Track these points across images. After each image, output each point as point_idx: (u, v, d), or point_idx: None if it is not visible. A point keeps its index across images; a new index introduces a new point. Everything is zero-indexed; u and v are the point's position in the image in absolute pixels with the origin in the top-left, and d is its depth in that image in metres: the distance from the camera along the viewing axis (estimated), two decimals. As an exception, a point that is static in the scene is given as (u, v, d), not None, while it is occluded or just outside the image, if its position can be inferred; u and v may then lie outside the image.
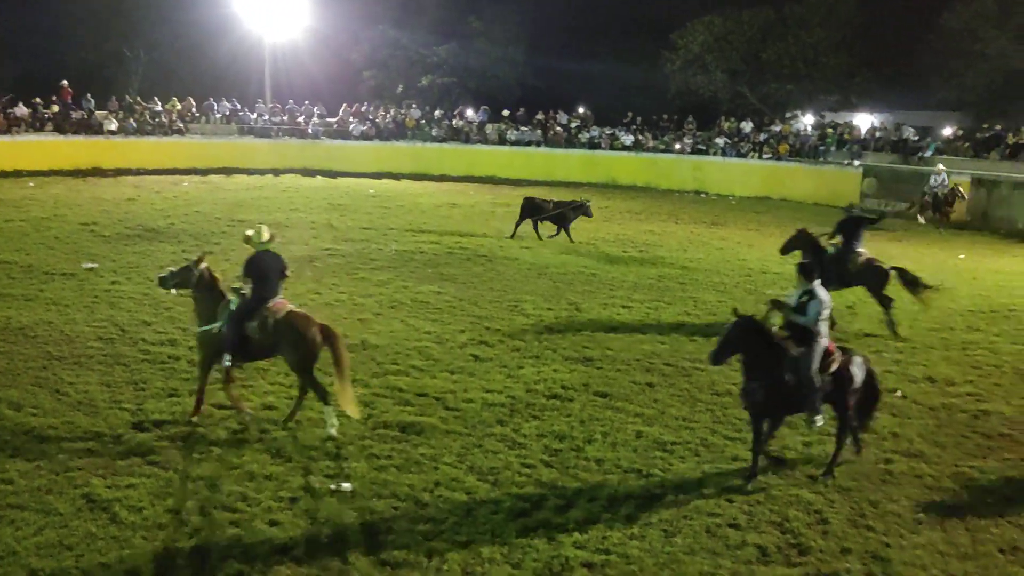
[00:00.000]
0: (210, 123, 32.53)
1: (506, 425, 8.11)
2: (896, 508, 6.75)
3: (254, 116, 33.38)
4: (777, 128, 32.38)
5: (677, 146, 31.82)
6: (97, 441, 7.35)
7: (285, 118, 33.59)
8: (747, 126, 32.57)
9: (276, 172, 29.09)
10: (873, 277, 12.18)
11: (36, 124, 28.94)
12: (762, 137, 31.39)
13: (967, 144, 28.34)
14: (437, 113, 35.22)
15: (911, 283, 12.01)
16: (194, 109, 32.80)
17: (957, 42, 34.25)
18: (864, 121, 35.17)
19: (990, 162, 26.33)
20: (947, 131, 31.48)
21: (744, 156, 30.55)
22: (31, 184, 23.98)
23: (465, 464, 7.24)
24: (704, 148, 31.52)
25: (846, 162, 28.57)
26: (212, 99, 33.70)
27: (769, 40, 38.12)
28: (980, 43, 33.01)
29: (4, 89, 30.68)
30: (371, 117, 34.34)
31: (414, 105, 36.81)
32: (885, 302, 12.04)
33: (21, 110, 29.01)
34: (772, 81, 38.31)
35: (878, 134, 30.80)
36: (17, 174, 25.75)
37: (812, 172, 28.65)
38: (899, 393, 9.38)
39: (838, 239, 12.53)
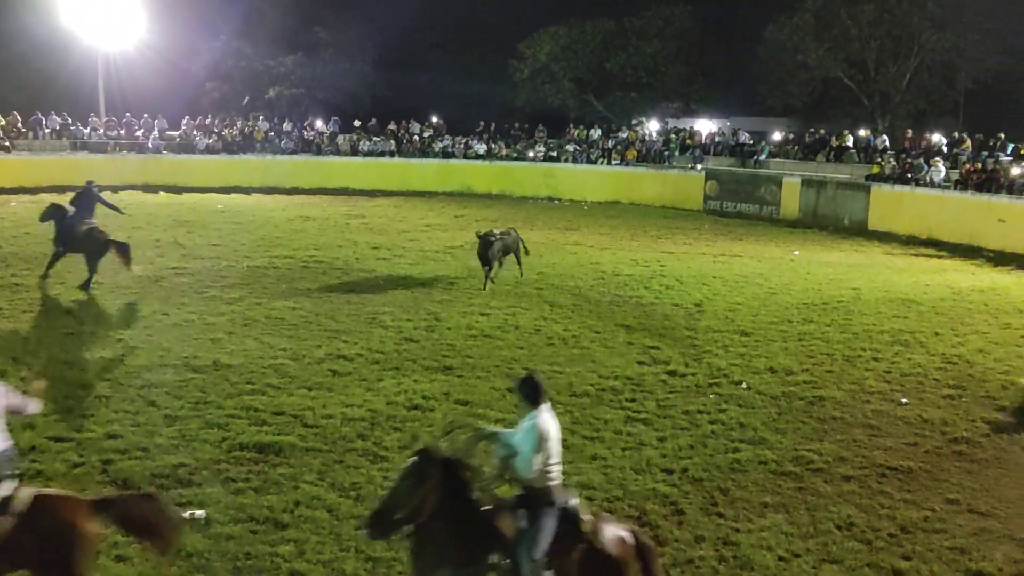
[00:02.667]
0: (39, 139, 30.32)
1: (367, 439, 8.02)
2: (744, 494, 7.16)
3: (87, 131, 31.38)
4: (624, 135, 33.61)
5: (530, 154, 32.42)
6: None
7: (122, 132, 31.76)
8: (596, 133, 33.63)
9: (115, 189, 27.36)
10: (92, 245, 13.69)
11: None
12: (610, 144, 32.50)
13: (796, 147, 30.45)
14: (286, 125, 34.31)
15: (125, 255, 13.73)
16: (20, 124, 30.45)
17: (781, 53, 36.78)
18: (704, 127, 37.09)
19: (817, 164, 28.39)
20: (777, 136, 33.72)
21: (594, 162, 31.51)
22: None
23: (326, 481, 7.10)
24: (555, 155, 32.29)
25: (689, 166, 30.02)
26: (40, 113, 31.42)
27: (612, 50, 39.55)
28: (801, 54, 35.57)
29: None
30: (216, 130, 33.01)
31: (262, 117, 35.72)
32: (95, 269, 13.60)
33: None
34: (617, 89, 39.75)
35: (717, 139, 32.55)
36: None
37: (658, 176, 29.94)
38: (744, 385, 9.95)
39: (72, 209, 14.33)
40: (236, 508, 6.56)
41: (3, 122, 29.95)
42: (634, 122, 37.93)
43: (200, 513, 6.44)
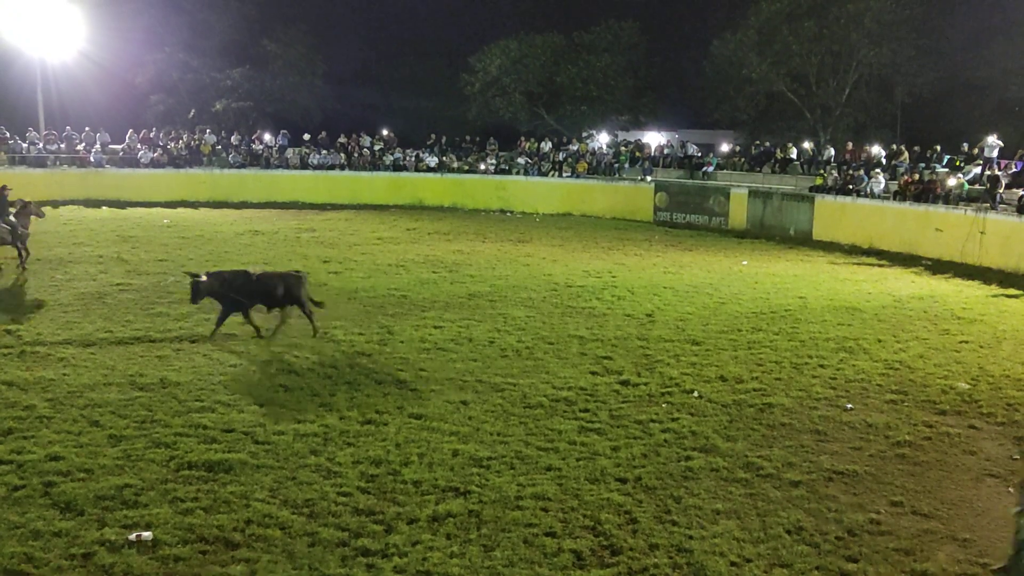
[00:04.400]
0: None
1: (320, 455, 7.92)
2: (697, 502, 7.23)
3: (26, 144, 30.57)
4: (575, 147, 33.91)
5: (481, 166, 32.50)
6: None
7: (63, 146, 31.02)
8: (547, 146, 33.87)
9: (55, 204, 26.76)
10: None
11: None
12: (561, 156, 32.75)
13: (742, 160, 31.05)
14: (234, 138, 33.88)
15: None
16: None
17: (726, 68, 37.55)
18: (654, 139, 37.62)
19: (763, 175, 29.00)
20: (725, 148, 34.32)
21: (545, 175, 31.72)
22: None
23: (278, 498, 6.99)
24: (507, 168, 32.42)
25: (639, 178, 30.39)
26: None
27: (562, 64, 39.93)
28: (746, 69, 36.35)
29: None
30: (161, 143, 32.43)
31: (209, 130, 35.21)
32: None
33: None
34: (567, 103, 40.12)
35: (666, 151, 33.03)
36: None
37: (609, 188, 30.25)
38: (696, 393, 10.07)
39: None
40: (185, 529, 6.42)
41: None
42: (584, 135, 38.35)
43: (147, 535, 6.28)
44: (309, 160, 32.46)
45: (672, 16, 41.97)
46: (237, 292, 11.73)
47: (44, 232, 20.60)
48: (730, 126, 40.91)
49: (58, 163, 30.20)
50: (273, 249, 20.08)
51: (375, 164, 32.74)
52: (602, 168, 31.72)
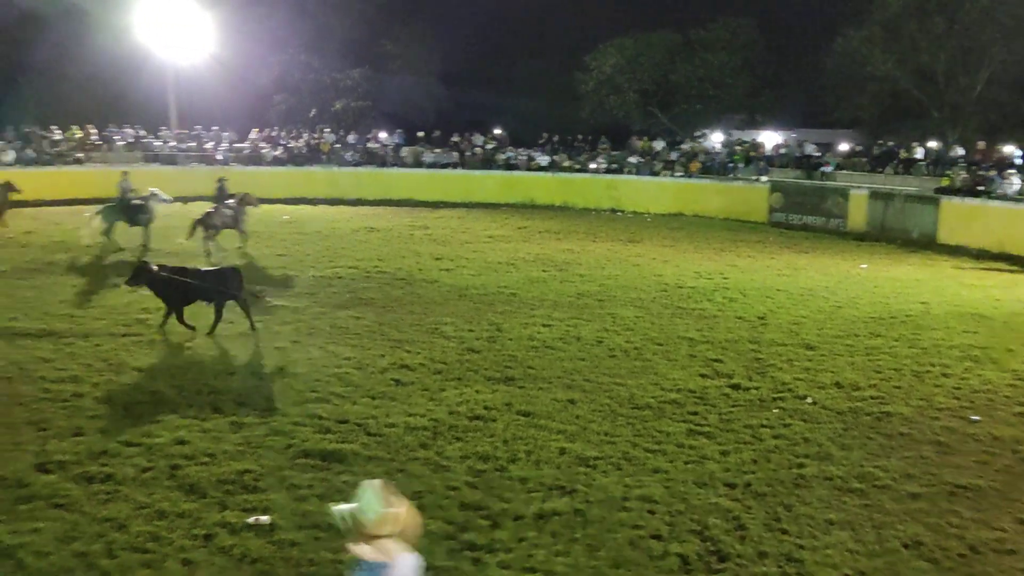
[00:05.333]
0: (112, 151, 31.49)
1: (429, 448, 8.05)
2: (808, 510, 6.97)
3: (159, 143, 32.46)
4: (688, 147, 33.30)
5: (592, 165, 32.35)
6: (-3, 486, 6.99)
7: (193, 144, 32.78)
8: (659, 145, 33.39)
9: (185, 200, 28.28)
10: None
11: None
12: (674, 156, 32.22)
13: (864, 159, 29.73)
14: (352, 137, 34.94)
15: None
16: (95, 137, 31.70)
17: (848, 65, 36.03)
18: (769, 139, 36.54)
19: (885, 176, 27.67)
20: (844, 147, 32.96)
21: (657, 174, 31.28)
22: None
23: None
24: (618, 167, 32.16)
25: (754, 178, 29.56)
26: (113, 126, 32.65)
27: (677, 62, 39.30)
28: (869, 66, 34.78)
29: None
30: (283, 142, 33.81)
31: (328, 129, 36.45)
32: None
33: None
34: (682, 101, 39.47)
35: (782, 151, 32.00)
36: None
37: (722, 188, 29.53)
38: (809, 399, 9.71)
39: None
40: (300, 515, 6.65)
41: (79, 135, 31.23)
42: (698, 134, 37.60)
43: (265, 519, 6.54)
44: (423, 158, 33.14)
45: (792, 13, 40.55)
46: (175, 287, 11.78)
47: (173, 228, 21.81)
48: (850, 125, 39.26)
49: (188, 161, 31.92)
50: (388, 246, 20.59)
51: (487, 163, 33.10)
52: (715, 168, 31.02)
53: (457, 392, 9.69)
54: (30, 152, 29.21)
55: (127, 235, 19.35)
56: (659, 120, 40.38)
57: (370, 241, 21.49)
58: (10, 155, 28.72)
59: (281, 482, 7.23)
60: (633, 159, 32.33)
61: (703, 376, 10.54)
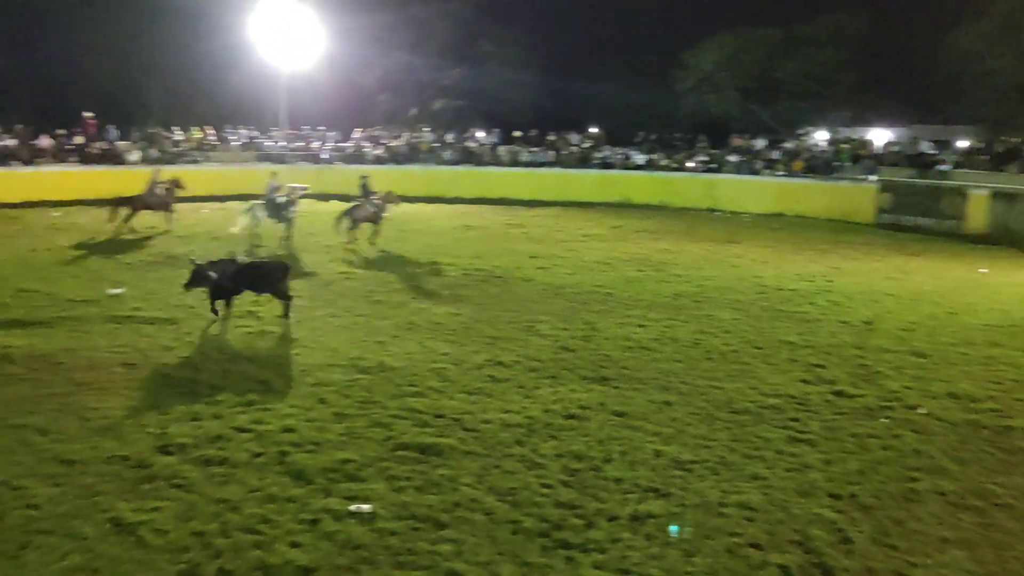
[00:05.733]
0: (228, 151, 32.93)
1: (524, 445, 8.13)
2: (920, 526, 6.71)
3: (270, 143, 33.76)
4: (791, 145, 32.36)
5: (690, 164, 31.85)
6: (122, 465, 7.44)
7: (301, 144, 33.94)
8: (760, 143, 32.57)
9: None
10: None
11: (60, 155, 29.37)
12: (775, 154, 31.38)
13: (985, 158, 28.22)
14: (449, 136, 35.47)
15: None
16: (213, 137, 33.25)
17: (965, 60, 34.27)
18: (879, 136, 35.12)
19: (1008, 175, 26.19)
20: (961, 145, 31.36)
21: (757, 173, 30.53)
22: (56, 214, 24.31)
23: (484, 485, 7.26)
24: (717, 166, 31.54)
25: (861, 177, 28.49)
26: (230, 127, 34.14)
27: (780, 58, 38.24)
28: (988, 60, 33.00)
29: (25, 120, 31.19)
30: (384, 141, 34.63)
31: (427, 128, 37.10)
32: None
33: (44, 141, 29.47)
34: (784, 99, 38.39)
35: (894, 149, 30.71)
36: (43, 204, 26.14)
37: (826, 188, 28.58)
38: (922, 409, 9.33)
39: None
40: (399, 505, 6.83)
41: (198, 135, 32.82)
42: (801, 131, 36.49)
43: (366, 507, 6.75)
44: (519, 157, 33.34)
45: (902, 7, 38.86)
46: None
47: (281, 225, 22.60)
48: (968, 122, 37.33)
49: (296, 160, 33.07)
50: (484, 244, 20.83)
51: (583, 161, 33.04)
52: (820, 166, 30.05)
53: (552, 390, 9.74)
54: (153, 152, 30.84)
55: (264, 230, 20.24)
56: (760, 118, 39.38)
57: (467, 239, 21.78)
58: (136, 154, 30.40)
59: (381, 472, 7.44)
60: (732, 157, 31.67)
61: (804, 381, 10.26)
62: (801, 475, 7.57)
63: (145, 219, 21.66)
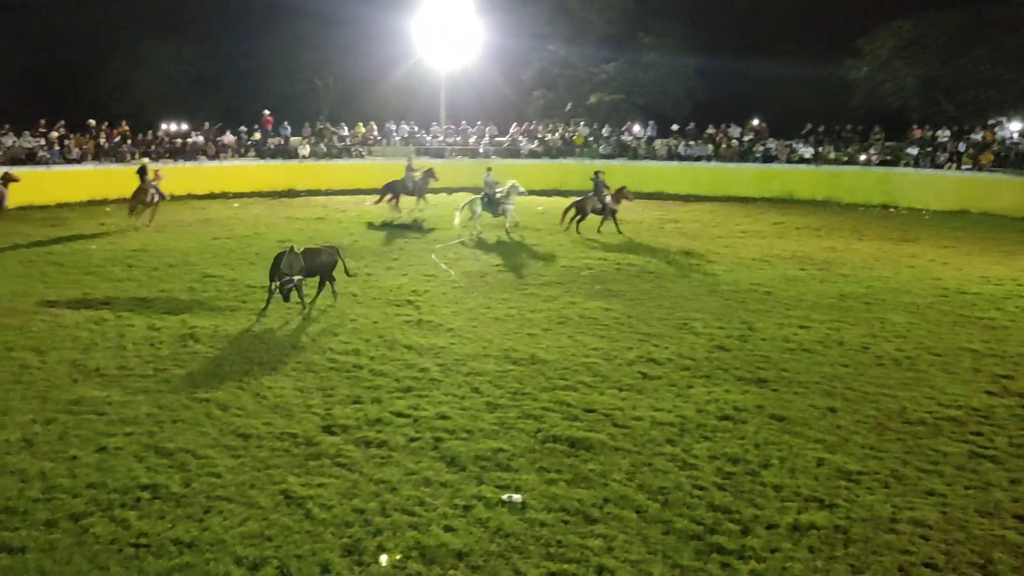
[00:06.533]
0: (390, 145, 34.25)
1: (676, 445, 7.95)
2: (1123, 558, 6.02)
3: (430, 138, 34.80)
4: (979, 136, 29.89)
5: (862, 157, 30.09)
6: (292, 441, 7.90)
7: (458, 138, 34.78)
8: (944, 135, 30.30)
9: (450, 191, 30.13)
10: None
11: (240, 150, 31.65)
12: (961, 146, 29.07)
13: None
14: (605, 130, 35.26)
15: None
16: (376, 132, 34.69)
17: None
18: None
19: None
20: None
21: (939, 167, 28.41)
22: (235, 205, 26.16)
23: (635, 482, 7.16)
24: (892, 159, 29.61)
25: (1059, 171, 25.93)
26: (392, 123, 35.50)
27: (966, 44, 35.35)
28: None
29: (213, 119, 33.78)
30: (540, 135, 34.89)
31: (582, 123, 37.05)
32: None
33: (228, 138, 31.86)
34: (970, 87, 35.49)
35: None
36: (224, 196, 28.33)
37: (1018, 183, 26.16)
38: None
39: None
40: (549, 497, 6.85)
41: (364, 131, 34.35)
42: (992, 122, 33.61)
43: (517, 497, 6.82)
44: (676, 151, 32.68)
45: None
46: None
47: (439, 216, 23.29)
48: None
49: (454, 154, 33.94)
50: (637, 238, 20.57)
51: (743, 155, 31.96)
52: (1012, 160, 27.56)
53: (705, 390, 9.48)
54: (322, 147, 32.60)
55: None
56: (943, 107, 36.59)
57: (620, 233, 21.58)
58: (306, 149, 32.25)
59: (532, 464, 7.49)
60: (911, 150, 29.63)
61: (989, 393, 9.45)
62: (984, 493, 6.98)
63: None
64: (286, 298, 12.59)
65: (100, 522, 6.36)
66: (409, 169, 25.11)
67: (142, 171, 21.64)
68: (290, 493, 6.84)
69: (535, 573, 5.79)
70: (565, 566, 5.86)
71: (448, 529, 6.33)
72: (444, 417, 8.56)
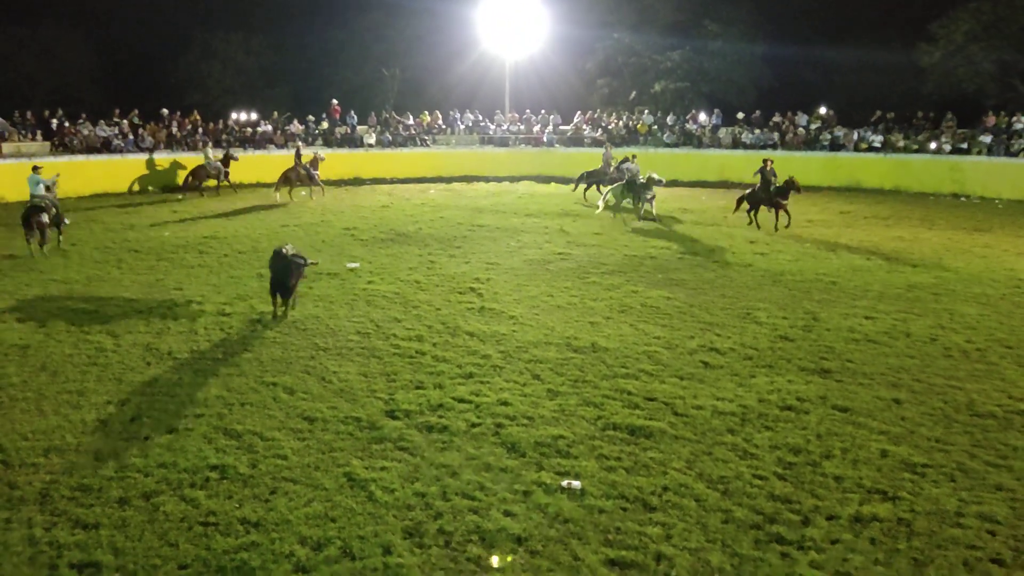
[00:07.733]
0: (454, 134, 34.55)
1: (737, 434, 7.93)
2: None
3: (494, 127, 34.97)
4: (1059, 122, 28.68)
5: (932, 145, 29.19)
6: (356, 425, 8.12)
7: (522, 127, 34.86)
8: (1020, 122, 29.16)
9: (513, 179, 30.33)
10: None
11: (308, 139, 32.30)
12: (1040, 134, 27.96)
13: None
14: (669, 118, 34.91)
15: None
16: (440, 121, 35.01)
17: None
18: None
19: None
20: None
21: (1015, 155, 27.40)
22: (303, 193, 26.74)
23: (694, 471, 7.18)
24: (965, 147, 28.65)
25: None
26: (456, 111, 35.77)
27: (1049, 25, 33.90)
28: None
29: (281, 109, 34.56)
30: (604, 124, 34.73)
31: (647, 111, 36.76)
32: None
33: (295, 127, 32.55)
34: (1052, 72, 34.07)
35: None
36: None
37: (1100, 172, 25.11)
38: None
39: None
40: (608, 484, 6.92)
41: (428, 119, 34.71)
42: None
43: (576, 484, 6.91)
44: (741, 139, 32.18)
45: None
46: None
47: (503, 205, 23.45)
48: None
49: (517, 143, 34.06)
50: (700, 227, 20.39)
51: (810, 144, 31.30)
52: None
53: (768, 380, 9.41)
54: (387, 135, 33.06)
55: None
56: (1021, 93, 35.18)
57: (683, 222, 21.42)
58: (372, 137, 32.76)
59: (591, 451, 7.57)
60: (985, 138, 28.62)
61: (1065, 388, 9.16)
62: (1055, 491, 6.81)
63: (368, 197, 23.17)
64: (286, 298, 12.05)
65: (171, 501, 6.66)
66: (607, 160, 26.35)
67: (297, 153, 25.39)
68: (353, 476, 7.05)
69: (593, 559, 5.87)
70: (623, 553, 5.93)
71: (508, 514, 6.45)
72: (505, 403, 8.68)
